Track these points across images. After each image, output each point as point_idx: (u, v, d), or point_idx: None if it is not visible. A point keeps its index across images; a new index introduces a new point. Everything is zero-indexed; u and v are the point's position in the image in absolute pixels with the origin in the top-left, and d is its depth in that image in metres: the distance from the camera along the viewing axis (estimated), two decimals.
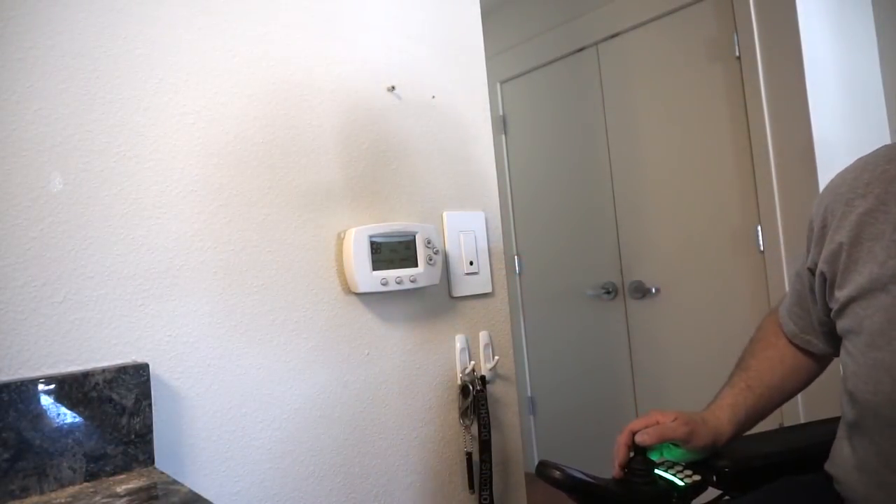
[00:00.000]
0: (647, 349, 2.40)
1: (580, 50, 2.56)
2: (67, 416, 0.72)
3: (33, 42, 0.76)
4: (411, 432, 1.06)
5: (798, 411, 1.88)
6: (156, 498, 0.67)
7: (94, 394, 0.74)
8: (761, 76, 1.96)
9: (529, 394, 2.92)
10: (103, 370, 0.75)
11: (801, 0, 1.87)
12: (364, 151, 1.05)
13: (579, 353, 2.68)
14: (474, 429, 1.10)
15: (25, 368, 0.73)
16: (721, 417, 0.89)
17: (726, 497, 0.91)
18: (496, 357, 1.17)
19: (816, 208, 0.84)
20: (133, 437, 0.76)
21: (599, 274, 2.55)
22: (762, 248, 2.01)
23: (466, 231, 1.16)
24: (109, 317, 0.79)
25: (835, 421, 0.87)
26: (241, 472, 0.89)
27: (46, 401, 0.71)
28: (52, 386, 0.71)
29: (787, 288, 1.91)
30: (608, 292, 2.51)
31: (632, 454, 0.87)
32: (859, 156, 0.83)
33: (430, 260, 1.05)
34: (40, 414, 0.70)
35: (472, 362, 1.13)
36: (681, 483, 0.85)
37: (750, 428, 0.92)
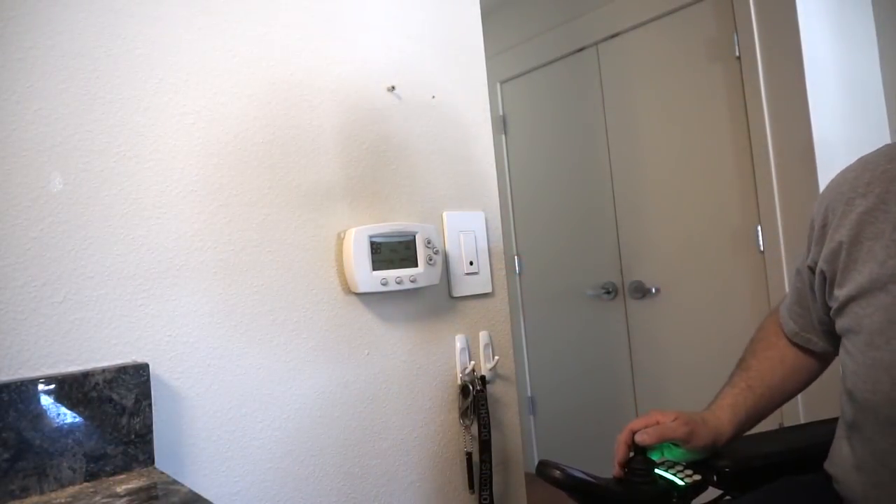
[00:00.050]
0: (647, 349, 2.40)
1: (580, 50, 2.56)
2: (67, 416, 0.72)
3: (33, 42, 0.76)
4: (411, 432, 1.06)
5: (798, 411, 1.88)
6: (156, 498, 0.67)
7: (94, 394, 0.74)
8: (761, 76, 1.96)
9: (529, 394, 2.92)
10: (103, 370, 0.75)
11: (801, 0, 1.87)
12: (364, 151, 1.05)
13: (579, 353, 2.68)
14: (474, 429, 1.10)
15: (25, 368, 0.73)
16: (721, 417, 0.89)
17: (727, 497, 0.91)
18: (496, 357, 1.17)
19: (817, 207, 0.84)
20: (133, 437, 0.76)
21: (599, 274, 2.55)
22: (762, 248, 2.01)
23: (466, 231, 1.16)
24: (109, 317, 0.79)
25: (834, 421, 0.87)
26: (241, 472, 0.89)
27: (46, 401, 0.71)
28: (52, 386, 0.71)
29: (787, 288, 1.91)
30: (608, 292, 2.51)
31: (632, 454, 0.87)
32: (859, 155, 0.83)
33: (430, 260, 1.05)
34: (40, 414, 0.70)
35: (472, 362, 1.13)
36: (681, 483, 0.85)
37: (750, 428, 0.92)
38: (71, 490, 0.71)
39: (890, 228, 0.73)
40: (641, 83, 2.35)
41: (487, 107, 1.23)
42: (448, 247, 1.13)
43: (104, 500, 0.67)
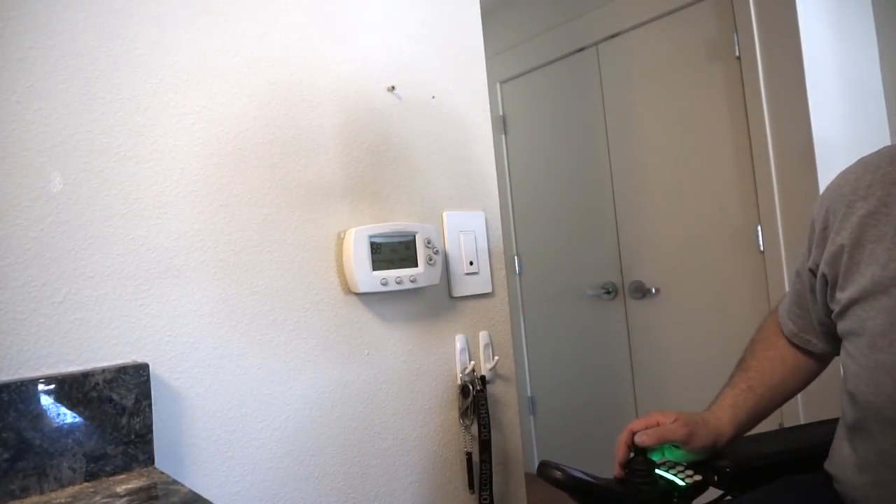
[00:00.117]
0: (647, 349, 2.40)
1: (580, 50, 2.56)
2: (67, 416, 0.72)
3: (33, 42, 0.76)
4: (411, 432, 1.06)
5: (798, 412, 1.88)
6: (156, 498, 0.67)
7: (94, 394, 0.74)
8: (761, 76, 1.96)
9: (529, 394, 2.92)
10: (103, 370, 0.75)
11: (801, 0, 1.87)
12: (364, 151, 1.05)
13: (579, 353, 2.68)
14: (474, 429, 1.10)
15: (25, 368, 0.73)
16: (722, 418, 0.89)
17: (727, 497, 0.91)
18: (496, 357, 1.17)
19: (818, 209, 0.84)
20: (133, 437, 0.76)
21: (599, 274, 2.55)
22: (762, 248, 2.01)
23: (466, 231, 1.16)
24: (109, 317, 0.79)
25: (834, 421, 0.87)
26: (241, 472, 0.89)
27: (46, 401, 0.71)
28: (52, 386, 0.71)
29: (786, 288, 1.91)
30: (608, 292, 2.51)
31: (632, 454, 0.87)
32: (859, 156, 0.83)
33: (430, 260, 1.05)
34: (40, 414, 0.70)
35: (472, 362, 1.13)
36: (682, 483, 0.85)
37: (751, 428, 0.92)
38: (71, 490, 0.71)
39: (892, 231, 0.73)
40: (641, 83, 2.35)
41: (487, 107, 1.23)
42: (448, 247, 1.13)
43: (104, 500, 0.67)
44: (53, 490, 0.70)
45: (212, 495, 0.85)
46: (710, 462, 0.88)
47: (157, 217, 0.84)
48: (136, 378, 0.77)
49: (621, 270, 2.47)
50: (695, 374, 2.21)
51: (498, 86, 2.91)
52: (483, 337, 1.16)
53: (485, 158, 1.21)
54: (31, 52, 0.76)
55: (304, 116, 0.99)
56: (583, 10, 2.52)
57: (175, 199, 0.86)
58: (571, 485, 0.83)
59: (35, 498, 0.69)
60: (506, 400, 1.19)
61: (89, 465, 0.73)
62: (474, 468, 1.10)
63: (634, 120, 2.39)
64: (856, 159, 0.84)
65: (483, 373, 1.14)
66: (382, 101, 1.08)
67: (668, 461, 0.89)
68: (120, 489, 0.70)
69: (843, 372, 0.80)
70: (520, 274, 2.93)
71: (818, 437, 0.91)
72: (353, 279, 0.98)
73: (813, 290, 0.86)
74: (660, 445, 0.86)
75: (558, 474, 0.83)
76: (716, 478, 0.87)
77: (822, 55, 1.91)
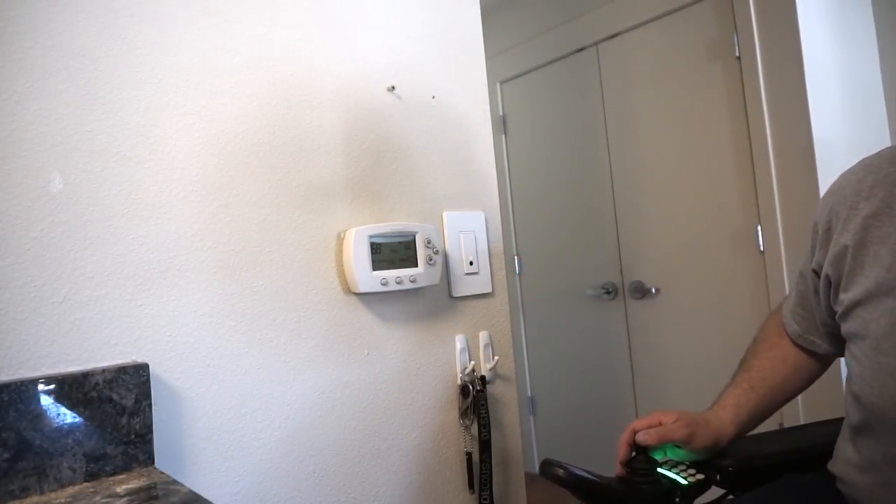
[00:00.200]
0: (647, 349, 2.40)
1: (580, 50, 2.56)
2: (67, 416, 0.72)
3: (33, 42, 0.76)
4: (411, 432, 1.06)
5: (798, 412, 1.88)
6: (156, 498, 0.67)
7: (94, 394, 0.74)
8: (761, 76, 1.96)
9: (529, 394, 2.92)
10: (103, 370, 0.75)
11: (801, 0, 1.87)
12: (364, 151, 1.05)
13: (579, 353, 2.68)
14: (474, 429, 1.10)
15: (25, 368, 0.73)
16: (724, 418, 0.89)
17: (729, 496, 0.91)
18: (496, 357, 1.17)
19: (820, 210, 0.84)
20: (133, 437, 0.76)
21: (599, 274, 2.55)
22: (762, 249, 2.01)
23: (466, 231, 1.16)
24: (109, 317, 0.79)
25: (837, 421, 0.87)
26: (241, 472, 0.89)
27: (46, 401, 0.71)
28: (52, 386, 0.71)
29: (787, 288, 1.91)
30: (608, 292, 2.51)
31: (634, 453, 0.87)
32: (859, 156, 0.83)
33: (430, 260, 1.05)
34: (40, 414, 0.70)
35: (472, 362, 1.13)
36: (684, 482, 0.85)
37: (753, 428, 0.92)
38: (71, 490, 0.71)
39: (895, 232, 0.73)
40: (641, 83, 2.35)
41: (487, 107, 1.23)
42: (448, 247, 1.13)
43: (104, 500, 0.67)
44: (53, 490, 0.70)
45: (212, 495, 0.85)
46: (712, 461, 0.88)
47: (157, 217, 0.84)
48: (136, 378, 0.77)
49: (621, 270, 2.47)
50: (695, 374, 2.21)
51: (498, 86, 2.91)
52: (483, 337, 1.16)
53: (485, 158, 1.21)
54: (31, 52, 0.76)
55: (304, 116, 0.99)
56: (583, 10, 2.52)
57: (175, 199, 0.86)
58: (574, 483, 0.83)
59: (35, 498, 0.69)
60: (506, 400, 1.19)
61: (89, 465, 0.73)
62: (474, 468, 1.10)
63: (634, 120, 2.39)
64: (856, 160, 0.84)
65: (483, 373, 1.14)
66: (382, 101, 1.08)
67: (670, 460, 0.89)
68: (120, 489, 0.70)
69: (848, 373, 0.80)
70: (520, 274, 2.93)
71: (820, 437, 0.91)
72: (353, 279, 0.98)
73: (816, 292, 0.86)
74: (661, 445, 0.86)
75: (561, 472, 0.83)
76: (718, 477, 0.88)
77: (822, 55, 1.91)
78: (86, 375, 0.74)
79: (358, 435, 1.00)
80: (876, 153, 0.82)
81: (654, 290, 2.35)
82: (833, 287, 0.81)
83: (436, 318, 1.11)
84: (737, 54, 2.03)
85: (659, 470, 0.87)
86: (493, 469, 1.10)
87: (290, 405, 0.94)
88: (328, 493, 0.97)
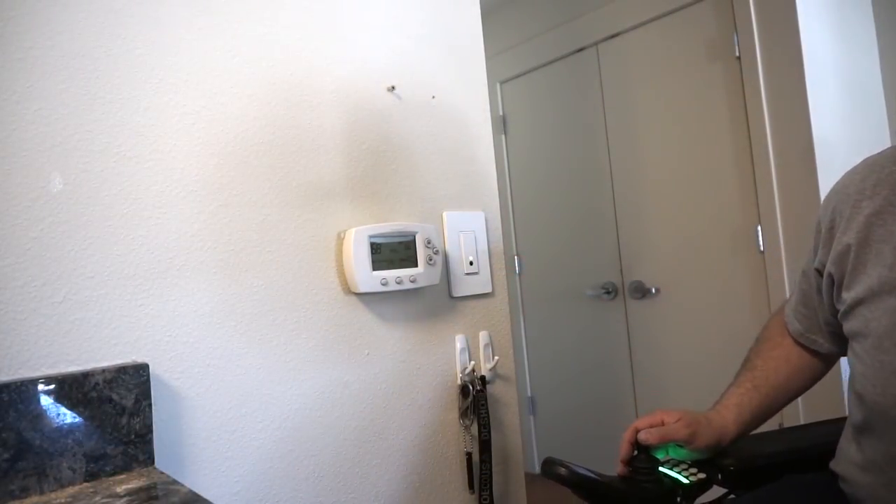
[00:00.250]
0: (647, 349, 2.40)
1: (580, 50, 2.56)
2: (67, 416, 0.72)
3: (33, 42, 0.76)
4: (411, 432, 1.06)
5: (798, 412, 1.88)
6: (156, 498, 0.67)
7: (94, 394, 0.74)
8: (761, 76, 1.96)
9: (529, 394, 2.92)
10: (103, 370, 0.75)
11: (801, 0, 1.87)
12: (364, 151, 1.05)
13: (579, 353, 2.68)
14: (474, 429, 1.10)
15: (25, 368, 0.73)
16: (726, 417, 0.89)
17: (731, 495, 0.91)
18: (496, 357, 1.17)
19: (823, 209, 0.85)
20: (133, 437, 0.76)
21: (599, 274, 2.55)
22: (762, 249, 2.01)
23: (466, 231, 1.16)
24: (109, 317, 0.79)
25: (838, 421, 0.87)
26: (241, 472, 0.89)
27: (46, 401, 0.71)
28: (52, 386, 0.71)
29: (787, 288, 1.92)
30: (608, 292, 2.51)
31: (635, 452, 0.87)
32: (859, 156, 0.83)
33: (430, 260, 1.05)
34: (40, 414, 0.70)
35: (472, 362, 1.13)
36: (686, 481, 0.85)
37: (755, 428, 0.92)
38: (71, 490, 0.71)
39: None
40: (641, 83, 2.35)
41: (487, 107, 1.23)
42: (448, 247, 1.13)
43: (104, 500, 0.67)
44: (53, 490, 0.70)
45: (212, 495, 0.85)
46: (714, 460, 0.89)
47: (157, 217, 0.84)
48: (136, 378, 0.77)
49: (621, 270, 2.47)
50: (695, 373, 2.21)
51: (498, 86, 2.91)
52: (483, 337, 1.16)
53: (485, 158, 1.21)
54: (31, 52, 0.76)
55: (304, 116, 0.99)
56: (583, 10, 2.52)
57: (175, 199, 0.86)
58: (576, 481, 0.83)
59: (35, 498, 0.69)
60: (506, 400, 1.19)
61: (89, 465, 0.73)
62: (474, 468, 1.10)
63: (634, 120, 2.39)
64: (856, 159, 0.84)
65: (483, 373, 1.14)
66: (382, 101, 1.08)
67: (672, 459, 0.89)
68: (120, 489, 0.70)
69: (851, 372, 0.80)
70: (520, 274, 2.93)
71: (822, 436, 0.92)
72: (353, 279, 0.98)
73: (819, 291, 0.86)
74: (663, 444, 0.86)
75: (563, 471, 0.83)
76: (720, 476, 0.88)
77: (822, 55, 1.91)
78: (86, 375, 0.74)
79: (358, 435, 1.00)
80: (880, 152, 0.82)
81: (654, 290, 2.35)
82: (836, 286, 0.81)
83: (436, 318, 1.11)
84: (737, 54, 2.03)
85: (661, 469, 0.87)
86: (493, 469, 1.10)
87: (289, 405, 0.94)
88: (328, 493, 0.97)
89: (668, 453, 0.89)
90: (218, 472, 0.87)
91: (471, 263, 1.16)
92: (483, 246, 1.18)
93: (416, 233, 1.04)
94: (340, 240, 1.00)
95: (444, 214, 1.14)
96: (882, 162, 0.79)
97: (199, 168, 0.88)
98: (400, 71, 1.11)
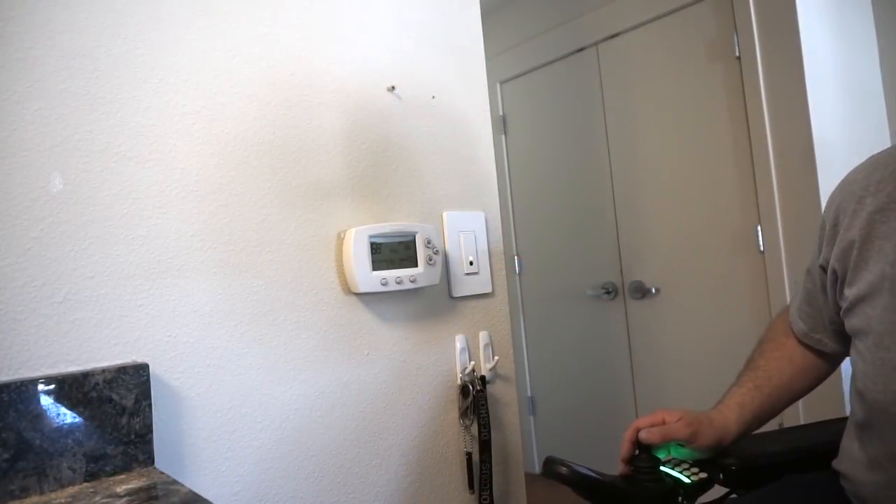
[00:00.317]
0: (647, 349, 2.40)
1: (580, 50, 2.56)
2: (67, 416, 0.72)
3: (33, 42, 0.76)
4: (411, 432, 1.06)
5: (798, 412, 1.88)
6: (156, 498, 0.67)
7: (94, 394, 0.74)
8: (761, 76, 1.96)
9: (529, 394, 2.92)
10: (103, 370, 0.75)
11: (801, 0, 1.87)
12: (364, 151, 1.05)
13: (579, 353, 2.68)
14: (474, 429, 1.10)
15: (25, 368, 0.73)
16: (728, 417, 0.89)
17: (732, 494, 0.91)
18: (496, 357, 1.17)
19: (828, 206, 0.85)
20: (133, 437, 0.76)
21: (599, 274, 2.55)
22: (762, 249, 2.01)
23: (466, 231, 1.16)
24: (109, 317, 0.79)
25: (839, 421, 0.87)
26: (241, 472, 0.89)
27: (46, 401, 0.71)
28: (52, 386, 0.71)
29: (787, 288, 1.92)
30: (608, 292, 2.51)
31: (637, 451, 0.87)
32: (859, 156, 0.84)
33: (430, 260, 1.05)
34: (40, 414, 0.70)
35: (472, 362, 1.13)
36: (687, 480, 0.85)
37: (757, 428, 0.92)
38: (71, 490, 0.71)
39: None
40: (641, 83, 2.35)
41: (487, 107, 1.23)
42: (448, 247, 1.13)
43: (104, 500, 0.67)
44: (53, 490, 0.70)
45: (212, 495, 0.85)
46: (715, 460, 0.89)
47: (157, 217, 0.84)
48: (136, 378, 0.77)
49: (621, 270, 2.47)
50: (695, 373, 2.21)
51: (498, 86, 2.91)
52: (483, 337, 1.16)
53: (485, 158, 1.21)
54: (31, 52, 0.76)
55: (304, 116, 0.99)
56: (583, 10, 2.52)
57: (175, 199, 0.86)
58: (577, 481, 0.83)
59: (35, 498, 0.69)
60: (506, 400, 1.19)
61: (89, 465, 0.73)
62: (474, 468, 1.10)
63: (634, 120, 2.39)
64: (856, 159, 0.84)
65: (483, 373, 1.14)
66: (382, 101, 1.08)
67: (674, 458, 0.89)
68: (120, 489, 0.70)
69: (852, 370, 0.80)
70: (520, 274, 2.93)
71: (823, 436, 0.92)
72: (353, 279, 0.98)
73: (824, 289, 0.86)
74: (665, 443, 0.86)
75: (564, 470, 0.83)
76: (721, 475, 0.88)
77: (822, 55, 1.91)
78: (86, 375, 0.74)
79: (358, 435, 1.00)
80: (884, 150, 0.82)
81: (654, 290, 2.35)
82: (839, 282, 0.81)
83: (436, 318, 1.11)
84: (737, 54, 2.03)
85: (662, 468, 0.87)
86: (493, 469, 1.10)
87: (289, 405, 0.94)
88: (328, 493, 0.97)
89: (669, 453, 0.89)
90: (218, 472, 0.87)
91: (471, 263, 1.16)
92: (483, 246, 1.18)
93: (416, 233, 1.04)
94: (340, 240, 1.00)
95: (444, 214, 1.14)
96: (886, 159, 0.80)
97: (199, 168, 0.88)
98: (400, 71, 1.11)
